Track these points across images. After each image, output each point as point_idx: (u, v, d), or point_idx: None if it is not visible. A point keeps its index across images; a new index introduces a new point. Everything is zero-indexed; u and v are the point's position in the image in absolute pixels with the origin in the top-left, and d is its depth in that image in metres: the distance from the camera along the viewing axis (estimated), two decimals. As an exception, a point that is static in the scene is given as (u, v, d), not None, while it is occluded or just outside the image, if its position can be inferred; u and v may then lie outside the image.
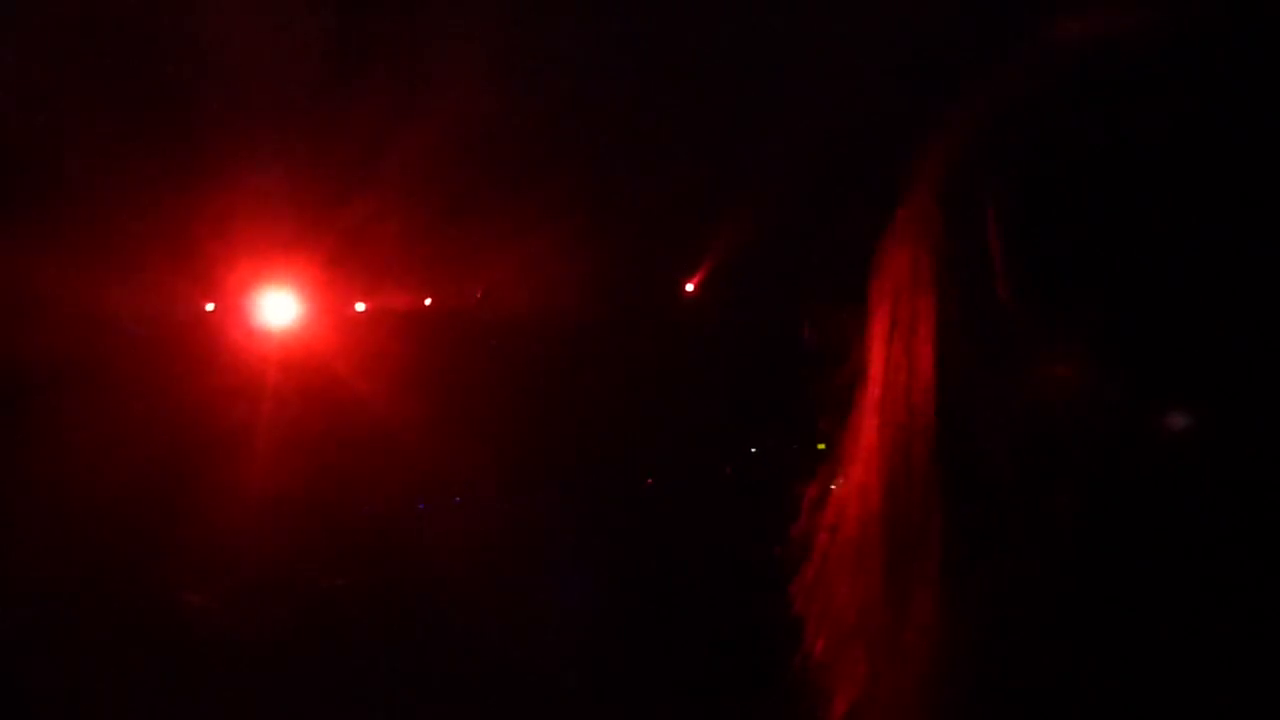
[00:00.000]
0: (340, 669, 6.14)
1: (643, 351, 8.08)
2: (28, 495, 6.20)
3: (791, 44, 5.88)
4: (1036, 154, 0.63)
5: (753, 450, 8.57)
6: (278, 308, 7.39)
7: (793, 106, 6.26)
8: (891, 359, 0.69)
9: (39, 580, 5.95)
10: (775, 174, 6.67)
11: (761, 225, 7.25)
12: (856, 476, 0.73)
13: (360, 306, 8.08)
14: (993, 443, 0.60)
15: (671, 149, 6.99)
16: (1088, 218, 0.58)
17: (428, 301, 8.29)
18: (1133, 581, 0.55)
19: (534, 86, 6.55)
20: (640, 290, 8.28)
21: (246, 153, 6.55)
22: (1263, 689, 0.51)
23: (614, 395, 7.86)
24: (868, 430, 0.71)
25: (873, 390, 0.71)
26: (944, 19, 5.06)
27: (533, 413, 7.72)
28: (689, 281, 8.42)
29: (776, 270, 7.68)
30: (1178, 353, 0.54)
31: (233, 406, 7.07)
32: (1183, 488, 0.53)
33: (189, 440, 6.77)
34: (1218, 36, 0.58)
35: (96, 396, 6.50)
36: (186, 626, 6.35)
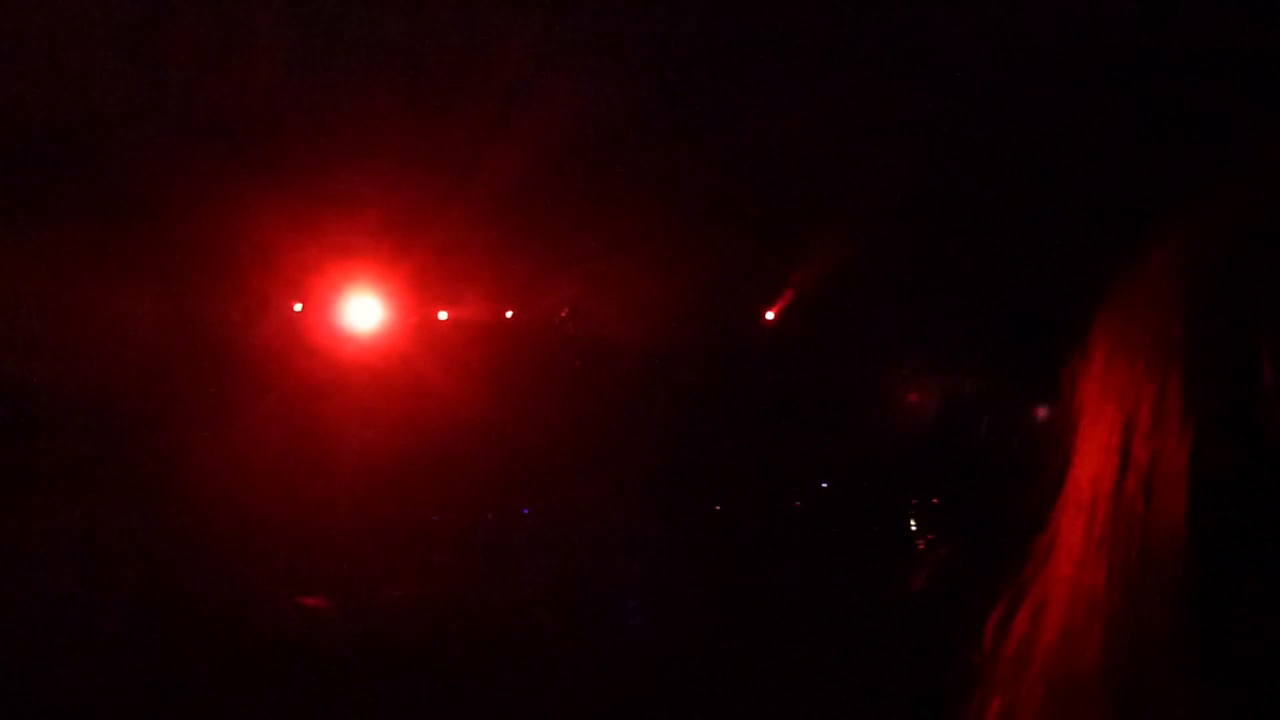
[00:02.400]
0: (417, 678, 6.18)
1: (720, 377, 8.07)
2: (121, 498, 6.33)
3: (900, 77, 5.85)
4: None
5: (824, 485, 8.52)
6: (363, 311, 7.50)
7: (894, 144, 6.23)
8: (1121, 502, 0.62)
9: (130, 581, 6.08)
10: (865, 209, 6.64)
11: (848, 259, 7.21)
12: (1056, 614, 0.65)
13: (443, 315, 8.17)
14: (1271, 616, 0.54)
15: (762, 176, 6.99)
16: None
17: (509, 314, 8.36)
18: None
19: (629, 108, 6.59)
20: (721, 315, 8.28)
21: (338, 158, 6.65)
22: None
23: (689, 419, 7.85)
24: (1074, 566, 0.64)
25: (1082, 523, 0.64)
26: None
27: (607, 432, 7.74)
28: (770, 310, 8.40)
29: (859, 305, 7.64)
30: None
31: (318, 405, 7.19)
32: None
33: (277, 437, 6.89)
34: None
35: (187, 395, 6.64)
36: (284, 630, 6.42)
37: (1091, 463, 0.64)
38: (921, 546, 7.95)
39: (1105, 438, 0.63)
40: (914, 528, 8.03)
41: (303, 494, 6.95)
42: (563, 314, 8.14)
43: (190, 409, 6.63)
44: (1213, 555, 0.56)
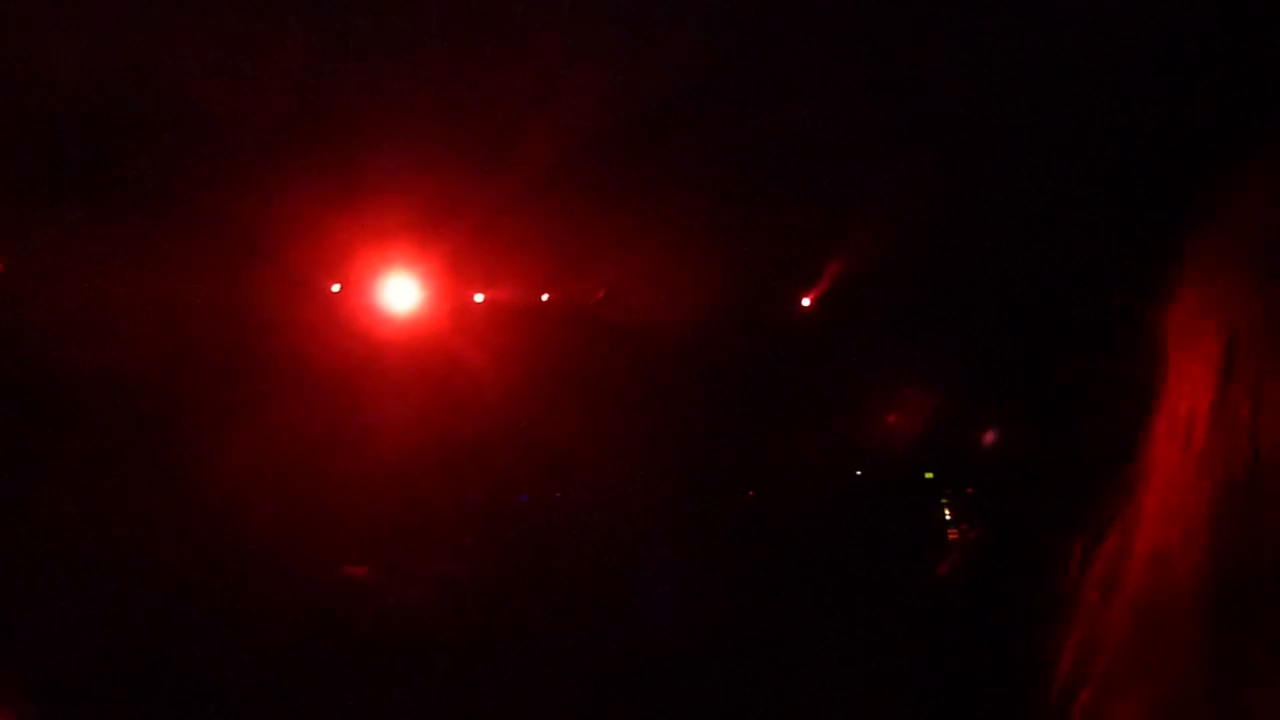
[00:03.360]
0: (448, 648, 6.26)
1: (755, 363, 8.07)
2: (170, 476, 6.44)
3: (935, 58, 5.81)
4: None
5: (858, 473, 8.51)
6: (400, 293, 7.55)
7: (930, 125, 6.19)
8: (1225, 411, 0.61)
9: (178, 566, 6.21)
10: (905, 197, 6.61)
11: (886, 248, 7.18)
12: (1146, 537, 0.64)
13: (479, 297, 8.21)
14: None
15: (799, 160, 6.96)
16: None
17: (544, 297, 8.38)
18: None
19: (665, 94, 6.58)
20: (757, 302, 8.27)
21: (377, 143, 6.68)
22: None
23: (723, 405, 7.85)
24: (1166, 486, 0.64)
25: (1178, 443, 0.64)
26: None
27: (640, 416, 7.76)
28: (806, 297, 8.39)
29: (896, 295, 7.61)
30: None
31: (356, 385, 7.26)
32: None
33: (315, 415, 6.96)
34: None
35: (230, 375, 6.72)
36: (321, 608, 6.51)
37: (1187, 383, 0.64)
38: (954, 536, 7.94)
39: (1204, 353, 0.63)
40: (948, 517, 8.02)
41: (341, 472, 7.02)
42: (598, 296, 8.16)
43: (232, 389, 6.71)
44: None
